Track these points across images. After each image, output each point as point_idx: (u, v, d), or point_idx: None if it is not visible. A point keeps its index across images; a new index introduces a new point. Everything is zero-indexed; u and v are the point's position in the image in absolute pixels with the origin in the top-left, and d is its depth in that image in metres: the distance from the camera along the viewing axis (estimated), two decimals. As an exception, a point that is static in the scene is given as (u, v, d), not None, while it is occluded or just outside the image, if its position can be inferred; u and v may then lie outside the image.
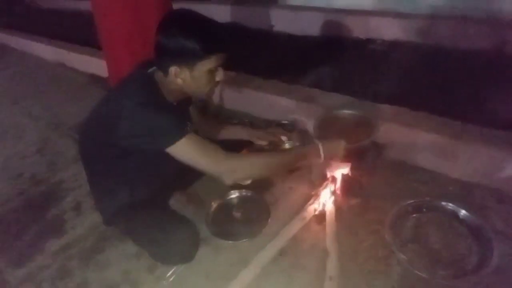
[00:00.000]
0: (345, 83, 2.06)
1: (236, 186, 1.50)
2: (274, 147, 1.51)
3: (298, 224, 1.32)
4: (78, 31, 3.67)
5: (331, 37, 2.75)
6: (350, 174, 1.38)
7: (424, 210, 1.31)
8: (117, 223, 1.26)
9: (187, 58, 0.99)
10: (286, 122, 1.76)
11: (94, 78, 2.98)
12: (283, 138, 1.52)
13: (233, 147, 1.44)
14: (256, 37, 3.03)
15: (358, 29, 2.64)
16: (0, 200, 1.76)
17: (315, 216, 1.37)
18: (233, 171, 1.06)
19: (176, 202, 1.45)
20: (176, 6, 3.66)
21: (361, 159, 1.43)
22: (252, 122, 1.91)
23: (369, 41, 2.58)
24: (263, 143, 1.49)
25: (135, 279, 1.25)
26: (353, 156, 1.37)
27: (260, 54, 2.68)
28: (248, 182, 1.50)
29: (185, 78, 1.03)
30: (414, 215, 1.31)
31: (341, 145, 1.22)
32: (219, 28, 1.03)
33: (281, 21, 3.03)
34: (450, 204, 1.29)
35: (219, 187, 1.51)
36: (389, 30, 2.50)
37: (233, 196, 1.46)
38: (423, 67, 2.12)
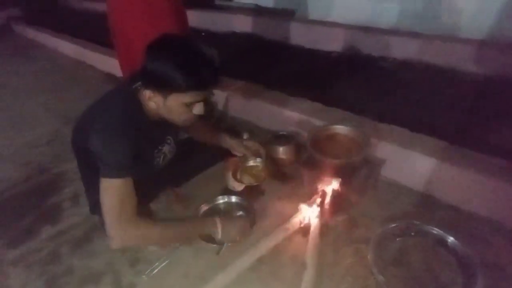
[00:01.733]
0: (349, 99, 2.07)
1: (227, 192, 1.53)
2: (243, 161, 1.57)
3: (281, 234, 1.32)
4: (100, 31, 3.84)
5: (343, 52, 2.77)
6: (340, 190, 1.37)
7: (412, 234, 1.29)
8: (98, 213, 1.29)
9: (163, 85, 0.96)
10: (284, 133, 1.77)
11: (110, 77, 3.11)
12: (253, 155, 1.56)
13: (215, 154, 1.53)
14: (270, 49, 3.09)
15: (372, 46, 2.64)
16: (7, 184, 1.86)
17: (301, 228, 1.36)
18: (121, 241, 1.03)
19: (165, 198, 1.50)
20: (193, 14, 3.78)
21: (353, 176, 1.42)
22: (239, 131, 1.92)
23: (381, 59, 2.58)
24: (238, 154, 1.52)
25: (117, 271, 1.29)
26: (344, 172, 1.37)
27: (271, 65, 2.73)
28: (241, 188, 1.53)
29: (158, 103, 1.01)
30: (401, 238, 1.28)
31: (238, 226, 1.27)
32: (208, 63, 0.97)
33: (296, 35, 3.07)
34: (439, 230, 1.25)
35: (209, 190, 1.56)
36: (402, 49, 2.49)
37: (221, 201, 1.48)
38: (430, 88, 2.10)
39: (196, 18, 3.72)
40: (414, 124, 1.64)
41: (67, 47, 3.92)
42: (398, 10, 2.69)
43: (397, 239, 1.28)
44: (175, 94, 0.97)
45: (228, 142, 1.49)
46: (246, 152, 1.50)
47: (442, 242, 1.23)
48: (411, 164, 1.49)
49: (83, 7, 5.85)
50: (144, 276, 1.25)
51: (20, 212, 1.64)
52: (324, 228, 1.33)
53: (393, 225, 1.29)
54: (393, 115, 1.78)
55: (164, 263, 1.27)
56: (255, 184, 1.51)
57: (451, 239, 1.22)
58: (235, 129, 1.97)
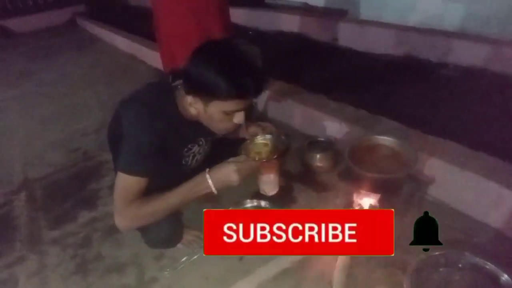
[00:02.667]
0: (399, 108, 1.90)
1: (258, 196, 1.48)
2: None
3: (309, 248, 1.24)
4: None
5: (396, 56, 2.57)
6: (378, 206, 1.26)
7: (459, 265, 1.13)
8: None
9: (205, 92, 0.92)
10: (322, 139, 1.68)
11: (159, 72, 3.20)
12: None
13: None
14: (317, 50, 2.98)
15: (430, 51, 2.42)
16: (55, 169, 2.00)
17: (331, 243, 1.27)
18: (124, 221, 1.01)
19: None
20: (242, 12, 3.78)
21: (394, 193, 1.29)
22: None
23: (440, 65, 2.35)
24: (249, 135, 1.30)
25: (142, 264, 1.31)
26: (385, 188, 1.25)
27: (316, 67, 2.63)
28: (273, 193, 1.47)
29: (199, 110, 0.99)
30: (445, 268, 1.13)
31: (229, 168, 1.01)
32: (253, 72, 0.92)
33: (347, 35, 2.92)
34: (492, 265, 1.08)
35: (239, 192, 1.52)
36: (466, 55, 2.24)
37: (249, 205, 1.44)
38: (498, 101, 1.85)
39: (245, 16, 3.72)
40: (473, 141, 1.45)
41: (122, 42, 4.15)
42: (463, 11, 2.43)
43: (441, 269, 1.13)
44: (216, 101, 0.93)
45: (243, 126, 1.34)
46: (257, 130, 1.30)
47: (494, 280, 1.06)
48: (464, 185, 1.31)
49: (140, 4, 6.17)
50: (166, 272, 1.26)
51: (63, 196, 1.75)
52: (357, 246, 1.23)
53: (438, 252, 1.15)
54: (450, 129, 1.60)
55: (192, 259, 1.28)
56: (259, 159, 1.19)
57: (505, 277, 1.04)
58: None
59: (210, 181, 1.01)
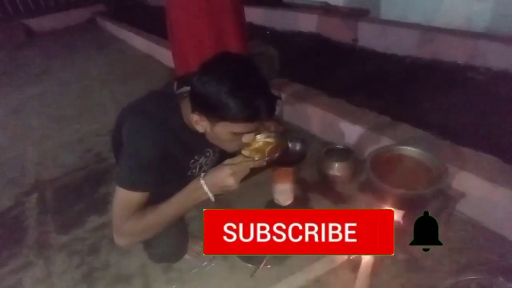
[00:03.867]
0: (424, 115, 1.78)
1: (272, 205, 1.40)
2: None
3: (325, 266, 1.16)
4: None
5: (420, 58, 2.43)
6: (402, 223, 1.16)
7: (493, 291, 1.02)
8: None
9: (213, 111, 0.85)
10: (340, 147, 1.58)
11: (174, 73, 3.18)
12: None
13: None
14: (336, 51, 2.87)
15: (458, 53, 2.27)
16: (68, 170, 1.99)
17: (349, 261, 1.18)
18: (124, 245, 0.95)
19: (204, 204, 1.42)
20: (260, 12, 3.68)
21: (421, 209, 1.19)
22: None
23: (468, 68, 2.20)
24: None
25: (149, 275, 1.27)
26: (411, 204, 1.15)
27: (335, 69, 2.52)
28: (287, 203, 1.40)
29: (205, 128, 0.92)
30: (477, 294, 1.03)
31: (224, 172, 0.90)
32: (265, 93, 0.85)
33: (367, 36, 2.80)
34: (532, 294, 0.97)
35: (253, 201, 1.45)
36: (499, 58, 2.08)
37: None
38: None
39: (262, 16, 3.65)
40: (508, 153, 1.32)
41: (140, 42, 4.15)
42: (492, 11, 2.27)
43: (472, 296, 1.03)
44: (224, 122, 0.86)
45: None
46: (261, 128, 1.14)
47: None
48: (498, 202, 1.20)
49: (159, 4, 6.19)
50: (174, 286, 1.20)
51: (74, 199, 1.73)
52: (378, 265, 1.14)
53: (470, 277, 1.04)
54: (482, 139, 1.47)
55: (209, 267, 1.24)
56: (258, 159, 1.04)
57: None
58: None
59: (205, 187, 0.92)
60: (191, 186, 0.94)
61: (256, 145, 1.10)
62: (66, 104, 2.99)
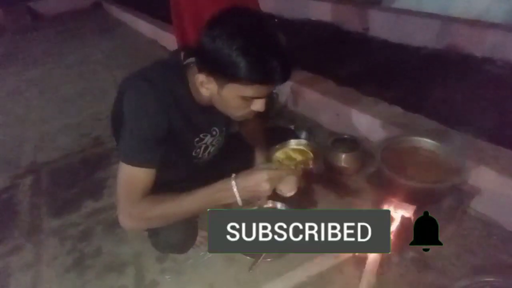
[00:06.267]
0: (439, 106, 1.69)
1: (275, 196, 1.33)
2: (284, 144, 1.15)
3: (328, 261, 1.09)
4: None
5: (435, 49, 2.33)
6: (413, 219, 1.08)
7: (509, 295, 0.95)
8: None
9: (222, 71, 0.76)
10: (348, 137, 1.50)
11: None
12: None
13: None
14: (347, 40, 2.77)
15: (474, 45, 2.17)
16: (65, 153, 1.94)
17: (354, 257, 1.11)
18: (128, 227, 0.87)
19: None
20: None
21: (433, 205, 1.11)
22: (297, 128, 1.67)
23: (486, 60, 2.10)
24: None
25: (142, 265, 1.21)
26: (423, 199, 1.08)
27: (346, 59, 2.42)
28: (291, 194, 1.32)
29: (212, 91, 0.83)
30: (491, 298, 0.95)
31: (261, 176, 0.84)
32: (282, 54, 0.75)
33: (379, 25, 2.69)
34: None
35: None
36: (518, 50, 1.98)
37: (264, 206, 1.29)
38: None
39: (271, 3, 3.54)
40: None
41: (145, 27, 4.07)
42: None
43: (486, 299, 0.95)
44: (234, 84, 0.77)
45: (261, 155, 1.17)
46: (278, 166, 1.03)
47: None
48: (517, 200, 1.12)
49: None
50: (167, 276, 1.14)
51: (69, 182, 1.67)
52: (384, 263, 1.07)
53: (484, 279, 0.97)
54: (499, 132, 1.39)
55: (206, 258, 1.18)
56: (296, 168, 1.04)
57: None
58: (293, 126, 1.75)
59: (235, 189, 0.84)
60: (219, 185, 0.86)
61: (289, 153, 1.11)
62: (67, 87, 2.93)
